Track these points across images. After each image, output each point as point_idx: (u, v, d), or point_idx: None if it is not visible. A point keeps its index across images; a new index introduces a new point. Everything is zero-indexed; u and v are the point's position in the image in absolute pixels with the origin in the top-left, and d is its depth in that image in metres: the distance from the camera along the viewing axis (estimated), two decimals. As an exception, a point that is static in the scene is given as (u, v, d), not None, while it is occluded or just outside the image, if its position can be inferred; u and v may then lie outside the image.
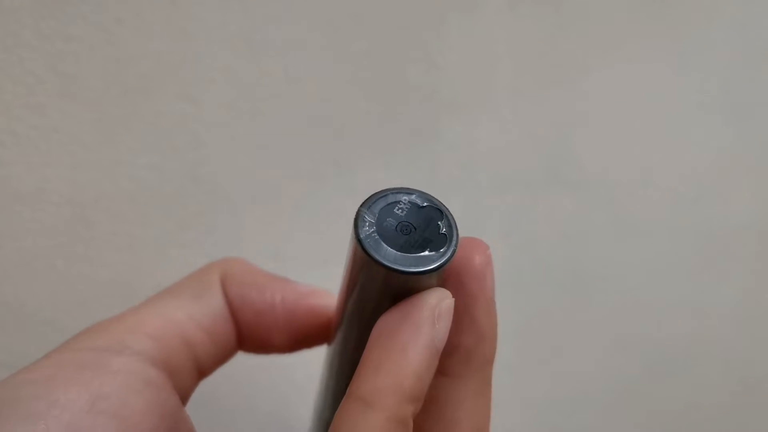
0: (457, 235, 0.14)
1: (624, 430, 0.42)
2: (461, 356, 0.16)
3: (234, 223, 0.30)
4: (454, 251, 0.14)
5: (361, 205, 0.14)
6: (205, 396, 0.22)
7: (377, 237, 0.14)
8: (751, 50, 0.39)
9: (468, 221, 0.35)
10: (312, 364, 0.23)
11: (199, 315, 0.19)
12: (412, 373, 0.14)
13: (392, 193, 0.15)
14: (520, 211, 0.36)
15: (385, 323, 0.15)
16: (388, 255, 0.14)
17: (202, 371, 0.20)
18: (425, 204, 0.15)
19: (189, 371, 0.19)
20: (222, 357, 0.20)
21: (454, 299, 0.15)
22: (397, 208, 0.15)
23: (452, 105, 0.33)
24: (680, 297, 0.41)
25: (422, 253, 0.14)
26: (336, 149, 0.31)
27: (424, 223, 0.14)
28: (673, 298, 0.41)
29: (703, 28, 0.38)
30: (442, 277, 0.15)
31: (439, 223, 0.15)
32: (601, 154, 0.37)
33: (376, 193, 0.15)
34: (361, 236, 0.14)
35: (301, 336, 0.20)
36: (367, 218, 0.14)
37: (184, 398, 0.19)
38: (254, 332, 0.20)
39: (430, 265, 0.14)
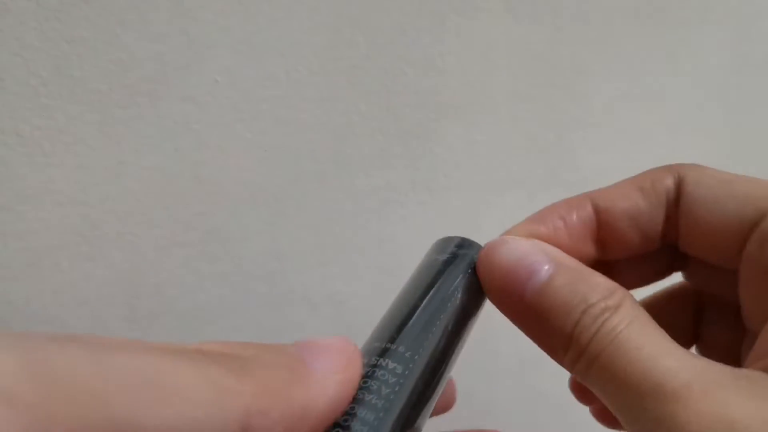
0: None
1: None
2: None
3: (236, 224, 0.30)
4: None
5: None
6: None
7: None
8: (747, 52, 0.40)
9: (467, 222, 0.35)
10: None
11: None
12: None
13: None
14: (519, 212, 0.36)
15: None
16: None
17: None
18: None
19: None
20: None
21: None
22: None
23: (451, 107, 0.33)
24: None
25: None
26: (336, 150, 0.32)
27: None
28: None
29: (700, 30, 0.38)
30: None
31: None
32: (598, 155, 0.37)
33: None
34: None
35: None
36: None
37: None
38: None
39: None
